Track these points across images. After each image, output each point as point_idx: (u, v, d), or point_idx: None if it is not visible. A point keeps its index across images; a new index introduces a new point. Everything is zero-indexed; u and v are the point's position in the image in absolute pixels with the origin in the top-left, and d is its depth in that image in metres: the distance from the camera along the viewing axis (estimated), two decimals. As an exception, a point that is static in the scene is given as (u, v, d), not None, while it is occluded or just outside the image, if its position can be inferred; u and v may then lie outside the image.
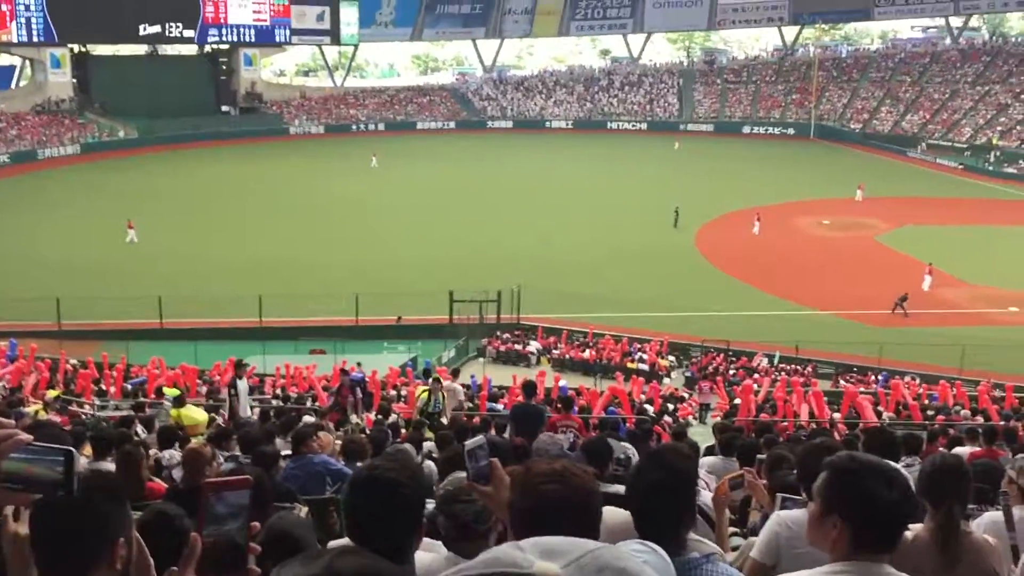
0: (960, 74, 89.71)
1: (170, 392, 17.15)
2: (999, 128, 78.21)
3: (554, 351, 32.45)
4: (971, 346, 25.50)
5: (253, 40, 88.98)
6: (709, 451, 9.45)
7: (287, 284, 35.34)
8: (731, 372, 28.93)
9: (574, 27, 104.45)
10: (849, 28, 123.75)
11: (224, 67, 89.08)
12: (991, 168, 70.81)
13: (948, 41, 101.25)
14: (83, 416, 15.59)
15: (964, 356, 25.08)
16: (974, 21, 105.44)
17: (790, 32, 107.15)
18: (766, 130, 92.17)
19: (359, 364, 24.15)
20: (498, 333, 33.71)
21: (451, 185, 61.33)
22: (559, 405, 12.42)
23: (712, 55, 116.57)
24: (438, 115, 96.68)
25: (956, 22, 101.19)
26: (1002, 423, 13.52)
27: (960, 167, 72.26)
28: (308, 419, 13.60)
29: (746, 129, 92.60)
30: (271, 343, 31.03)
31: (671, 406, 22.36)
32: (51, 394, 16.93)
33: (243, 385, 15.86)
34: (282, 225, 48.74)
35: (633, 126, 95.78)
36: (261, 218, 50.56)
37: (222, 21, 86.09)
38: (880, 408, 19.29)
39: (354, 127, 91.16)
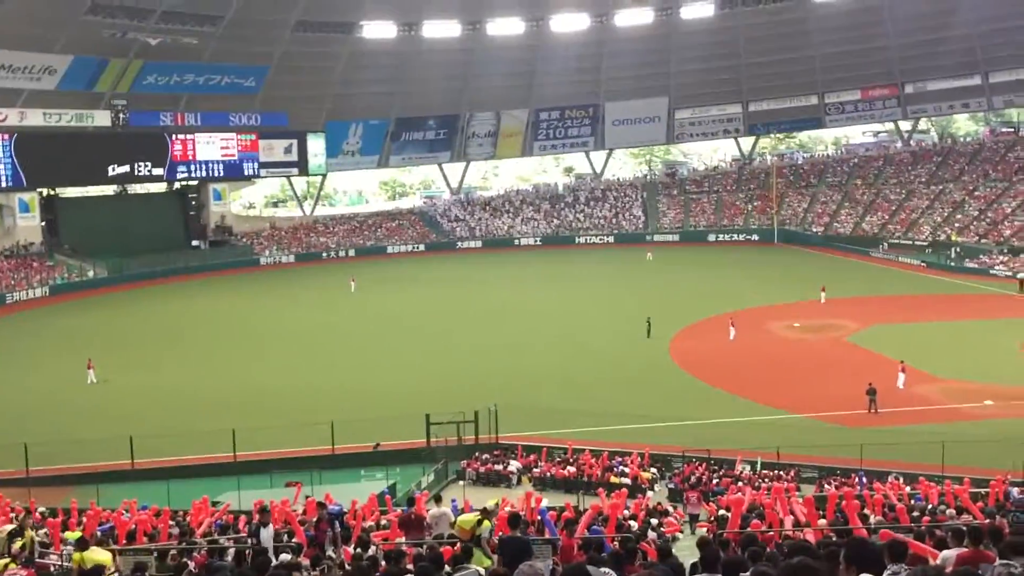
0: (914, 175, 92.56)
1: (71, 535, 16.67)
2: (956, 224, 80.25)
3: (535, 469, 31.97)
4: (950, 442, 25.47)
5: (221, 175, 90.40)
6: (694, 569, 9.24)
7: (261, 416, 34.91)
8: (715, 481, 28.57)
9: (537, 147, 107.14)
10: (803, 136, 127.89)
11: (193, 202, 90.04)
12: (952, 264, 72.30)
13: (899, 144, 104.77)
14: (51, 568, 15.03)
15: (944, 453, 25.01)
16: (923, 124, 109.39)
17: (747, 142, 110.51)
18: (731, 237, 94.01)
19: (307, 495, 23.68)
20: (477, 454, 33.23)
21: (423, 307, 61.56)
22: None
23: (673, 167, 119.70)
24: (408, 238, 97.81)
25: (905, 125, 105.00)
26: (987, 521, 13.39)
27: (922, 264, 73.72)
28: (285, 557, 13.22)
29: (711, 237, 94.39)
30: (246, 477, 30.37)
31: (654, 520, 21.93)
32: (16, 545, 16.33)
33: (268, 533, 14.68)
34: (255, 356, 48.49)
35: (601, 240, 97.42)
36: (233, 350, 50.29)
37: (190, 158, 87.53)
38: (867, 511, 19.02)
39: (324, 255, 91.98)
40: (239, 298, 68.87)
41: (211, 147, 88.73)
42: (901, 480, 24.27)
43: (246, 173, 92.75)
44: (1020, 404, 33.94)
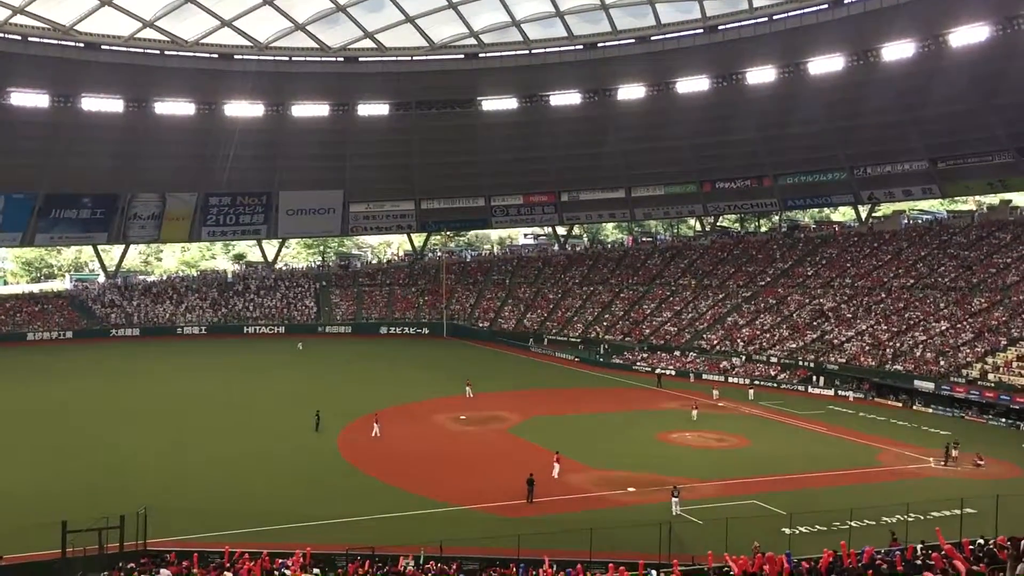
0: (569, 276, 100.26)
1: None
2: (605, 323, 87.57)
3: (187, 577, 29.62)
4: (597, 528, 27.06)
5: None
6: None
7: None
8: (378, 580, 28.07)
9: (206, 232, 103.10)
10: (471, 234, 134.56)
11: None
12: (601, 359, 78.49)
13: (556, 247, 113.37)
14: None
15: (593, 539, 26.49)
16: (576, 229, 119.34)
17: (419, 238, 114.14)
18: (403, 330, 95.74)
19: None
20: (121, 564, 30.21)
21: (67, 400, 56.04)
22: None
23: (347, 260, 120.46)
24: (53, 325, 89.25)
25: (561, 230, 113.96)
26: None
27: (576, 359, 79.39)
28: None
29: (383, 329, 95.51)
30: None
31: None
32: None
33: None
34: None
35: (271, 330, 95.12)
36: None
37: None
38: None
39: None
40: None
41: None
42: (554, 568, 25.29)
43: None
44: (656, 490, 37.04)
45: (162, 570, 30.20)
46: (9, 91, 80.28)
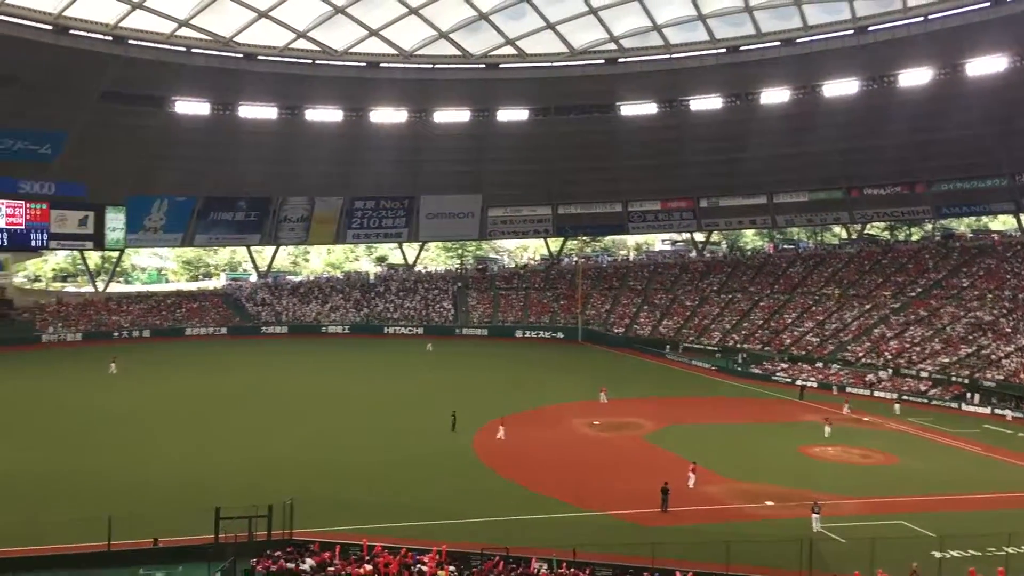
0: (707, 283, 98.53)
1: None
2: (744, 332, 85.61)
3: (329, 568, 30.68)
4: (734, 542, 26.53)
5: (5, 244, 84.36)
6: None
7: (26, 507, 31.83)
8: (511, 581, 28.34)
9: (350, 235, 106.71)
10: (607, 239, 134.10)
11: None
12: (740, 369, 76.75)
13: (694, 254, 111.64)
14: None
15: (729, 552, 25.99)
16: (715, 236, 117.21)
17: (555, 242, 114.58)
18: (537, 334, 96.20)
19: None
20: (268, 551, 31.56)
21: (221, 393, 58.97)
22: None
23: (484, 263, 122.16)
24: (209, 321, 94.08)
25: (699, 236, 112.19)
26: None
27: (713, 368, 77.86)
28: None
29: (519, 333, 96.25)
30: (3, 579, 27.42)
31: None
32: None
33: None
34: (20, 441, 44.41)
35: (410, 331, 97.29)
36: None
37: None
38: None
39: (116, 334, 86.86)
40: (12, 377, 63.54)
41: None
42: (690, 579, 25.00)
43: (33, 244, 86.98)
44: (796, 505, 35.94)
45: (306, 559, 31.40)
46: (174, 99, 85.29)
